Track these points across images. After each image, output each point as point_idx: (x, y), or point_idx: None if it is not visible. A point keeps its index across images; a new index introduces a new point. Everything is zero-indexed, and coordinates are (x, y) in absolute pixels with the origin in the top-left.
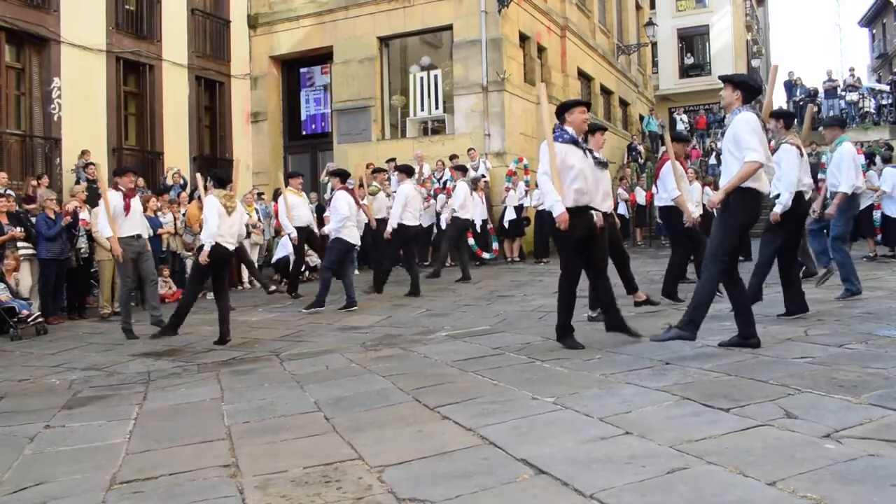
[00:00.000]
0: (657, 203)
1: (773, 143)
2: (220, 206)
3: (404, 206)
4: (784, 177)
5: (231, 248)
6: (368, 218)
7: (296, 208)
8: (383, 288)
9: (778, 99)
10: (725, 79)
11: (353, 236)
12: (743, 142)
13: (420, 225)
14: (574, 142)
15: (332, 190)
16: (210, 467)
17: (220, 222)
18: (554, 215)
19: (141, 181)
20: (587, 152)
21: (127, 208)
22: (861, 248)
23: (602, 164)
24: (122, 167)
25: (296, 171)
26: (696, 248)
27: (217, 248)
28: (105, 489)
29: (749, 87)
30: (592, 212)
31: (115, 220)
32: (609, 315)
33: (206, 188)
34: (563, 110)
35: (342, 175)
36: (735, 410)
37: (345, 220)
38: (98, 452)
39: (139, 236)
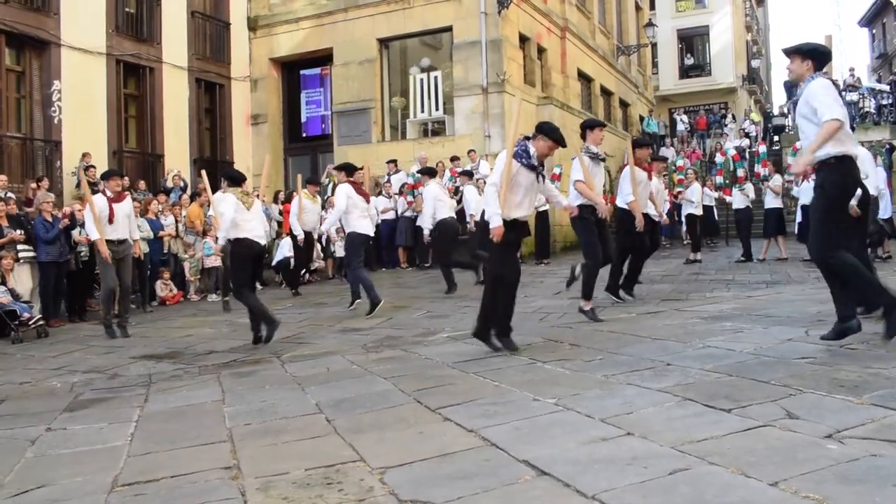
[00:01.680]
0: (618, 203)
1: None
2: (236, 201)
3: (434, 207)
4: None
5: (262, 241)
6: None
7: (307, 213)
8: (455, 285)
9: (778, 98)
10: (792, 50)
11: (365, 227)
12: (818, 105)
13: (454, 217)
14: (532, 167)
15: (332, 186)
16: (211, 469)
17: (239, 216)
18: (491, 226)
19: (142, 184)
20: (540, 177)
21: (111, 213)
22: None
23: (600, 160)
24: (108, 171)
25: (314, 178)
26: (641, 252)
27: (247, 242)
28: (107, 492)
29: (820, 55)
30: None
31: (100, 223)
32: (504, 325)
33: (207, 188)
34: (536, 130)
35: (348, 169)
36: (737, 411)
37: (342, 213)
38: (99, 455)
39: (124, 241)
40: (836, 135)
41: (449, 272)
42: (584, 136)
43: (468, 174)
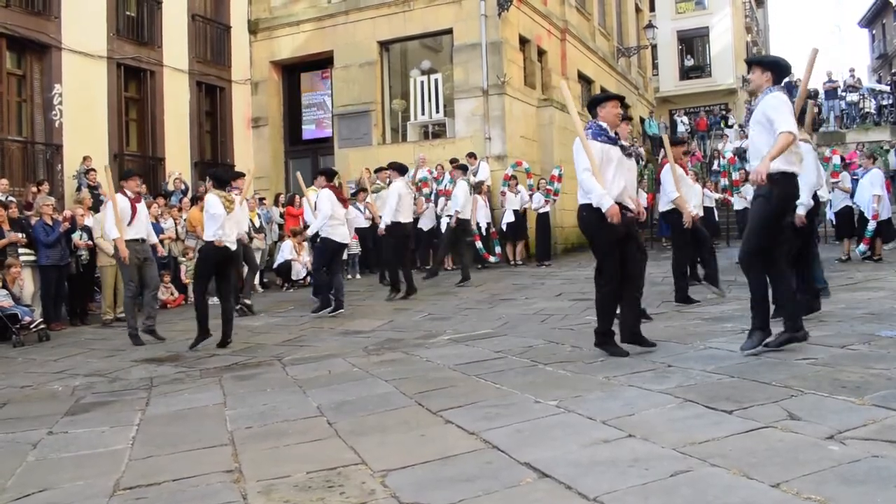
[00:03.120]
0: (660, 208)
1: None
2: (219, 204)
3: (398, 204)
4: (803, 176)
5: (232, 247)
6: (373, 216)
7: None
8: (414, 286)
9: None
10: (754, 61)
11: (341, 235)
12: (776, 117)
13: (414, 223)
14: (612, 140)
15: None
16: (213, 473)
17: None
18: (603, 210)
19: (143, 187)
20: (624, 150)
21: (133, 212)
22: (836, 251)
23: (628, 154)
24: (128, 171)
25: (323, 170)
26: (699, 248)
27: (217, 246)
28: (108, 495)
29: (779, 68)
30: (628, 212)
31: (121, 223)
32: (633, 325)
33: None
34: (594, 104)
35: (328, 174)
36: (738, 412)
37: (328, 218)
38: (101, 458)
39: (143, 240)
40: (789, 148)
41: (395, 275)
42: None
43: (463, 168)
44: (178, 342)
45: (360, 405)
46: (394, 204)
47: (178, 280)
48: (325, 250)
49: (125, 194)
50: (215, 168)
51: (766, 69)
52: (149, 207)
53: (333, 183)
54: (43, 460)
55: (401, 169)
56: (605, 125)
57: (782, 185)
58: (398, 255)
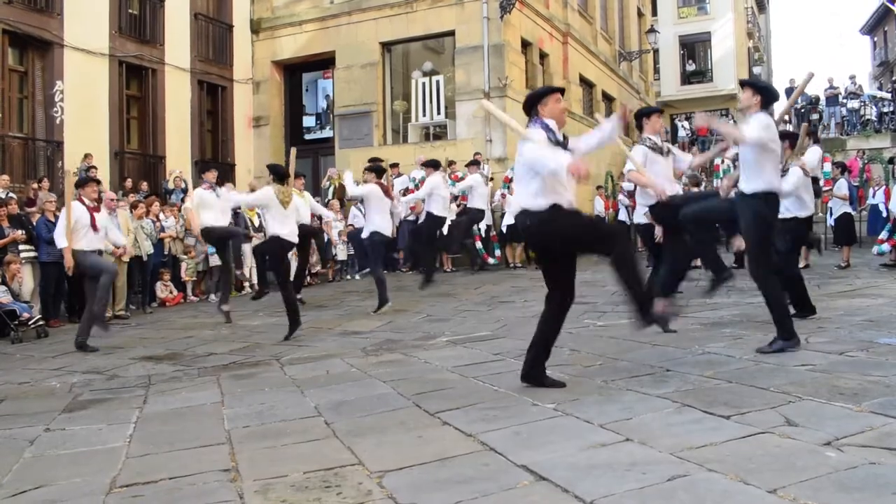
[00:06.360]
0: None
1: (781, 164)
2: (275, 198)
3: (430, 194)
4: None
5: (294, 240)
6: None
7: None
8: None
9: (778, 106)
10: (748, 82)
11: (387, 227)
12: (751, 126)
13: (446, 217)
14: (561, 144)
15: (333, 189)
16: (210, 472)
17: (277, 214)
18: (568, 165)
19: (144, 185)
20: (570, 151)
21: (93, 223)
22: (835, 257)
23: (661, 152)
24: (84, 177)
25: (299, 172)
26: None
27: (281, 241)
28: (105, 493)
29: (768, 94)
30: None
31: (78, 232)
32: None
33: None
34: (533, 102)
35: (378, 171)
36: (736, 418)
37: (362, 195)
38: (98, 456)
39: (101, 252)
40: (768, 169)
41: (431, 265)
42: (640, 127)
43: (476, 163)
44: (175, 341)
45: (358, 406)
46: (425, 194)
47: (177, 279)
48: (375, 244)
49: (83, 202)
50: (274, 164)
51: (757, 92)
52: (150, 205)
53: (382, 180)
54: (40, 457)
55: (434, 164)
56: (551, 124)
57: (764, 204)
58: (429, 244)
